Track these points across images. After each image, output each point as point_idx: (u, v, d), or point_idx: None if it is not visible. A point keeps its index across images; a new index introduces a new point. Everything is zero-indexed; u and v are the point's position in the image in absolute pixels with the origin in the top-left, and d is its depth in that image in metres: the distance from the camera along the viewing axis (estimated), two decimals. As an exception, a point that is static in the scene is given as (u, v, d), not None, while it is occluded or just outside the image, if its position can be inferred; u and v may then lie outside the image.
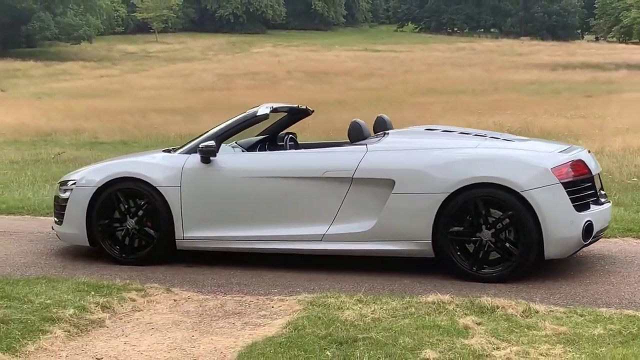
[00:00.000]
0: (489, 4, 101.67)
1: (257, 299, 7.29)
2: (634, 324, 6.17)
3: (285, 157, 8.42)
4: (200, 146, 8.37)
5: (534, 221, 7.44)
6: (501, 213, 7.61)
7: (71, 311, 6.64)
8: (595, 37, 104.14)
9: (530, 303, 6.72)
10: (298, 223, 8.12)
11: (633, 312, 6.52)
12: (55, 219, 9.08)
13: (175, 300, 7.32)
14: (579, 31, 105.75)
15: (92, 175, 8.65)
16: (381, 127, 8.91)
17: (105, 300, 7.03)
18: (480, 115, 26.64)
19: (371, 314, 6.53)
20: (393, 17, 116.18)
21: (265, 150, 9.28)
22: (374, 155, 7.99)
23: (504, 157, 7.73)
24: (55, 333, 6.22)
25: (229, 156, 8.44)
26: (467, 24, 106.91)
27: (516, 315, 6.39)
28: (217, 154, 8.37)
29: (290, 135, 9.40)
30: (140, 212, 8.46)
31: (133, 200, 8.53)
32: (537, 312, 6.47)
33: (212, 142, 8.36)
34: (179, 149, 8.94)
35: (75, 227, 8.64)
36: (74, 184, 8.73)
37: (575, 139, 19.59)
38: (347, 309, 6.67)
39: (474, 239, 7.66)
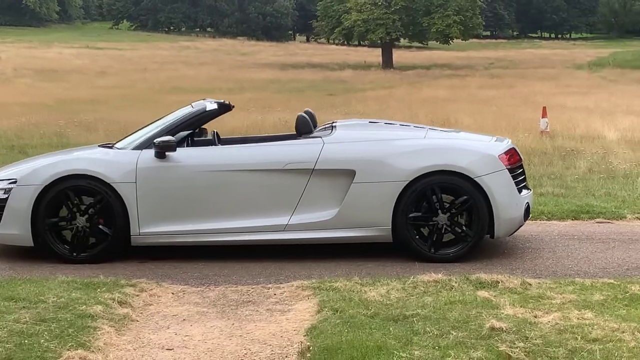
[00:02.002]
0: (206, 3, 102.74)
1: (252, 288, 7.52)
2: (619, 289, 7.01)
3: (244, 151, 8.63)
4: (156, 142, 8.38)
5: (486, 204, 8.18)
6: (456, 198, 8.23)
7: (99, 307, 6.56)
8: (306, 38, 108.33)
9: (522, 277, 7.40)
10: (260, 214, 8.37)
11: (606, 279, 7.40)
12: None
13: (173, 293, 7.41)
14: (291, 32, 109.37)
15: (36, 173, 8.39)
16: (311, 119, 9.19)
17: (118, 296, 6.97)
18: (256, 112, 27.20)
19: (387, 294, 6.96)
20: (107, 14, 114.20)
21: (190, 145, 9.31)
22: (333, 147, 8.39)
23: (458, 147, 8.44)
24: (104, 329, 6.21)
25: (186, 151, 8.50)
26: (184, 22, 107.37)
27: (517, 288, 7.08)
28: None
29: (214, 131, 9.53)
30: (92, 210, 8.30)
31: (83, 198, 8.33)
32: (531, 284, 7.19)
33: (170, 137, 8.38)
34: (116, 143, 8.86)
35: (17, 227, 8.37)
36: (13, 182, 8.37)
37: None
38: (360, 291, 7.06)
39: (430, 223, 8.25)
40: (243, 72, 55.23)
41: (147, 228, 8.35)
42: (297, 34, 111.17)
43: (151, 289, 7.39)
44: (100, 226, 8.36)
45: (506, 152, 8.50)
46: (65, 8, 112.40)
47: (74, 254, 8.37)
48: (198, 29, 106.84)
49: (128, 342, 6.06)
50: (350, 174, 8.31)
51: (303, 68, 59.79)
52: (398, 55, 69.01)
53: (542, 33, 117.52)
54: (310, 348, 5.70)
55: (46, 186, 8.29)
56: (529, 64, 65.20)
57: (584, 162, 15.31)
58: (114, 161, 8.44)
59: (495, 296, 6.81)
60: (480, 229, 8.26)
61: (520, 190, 8.51)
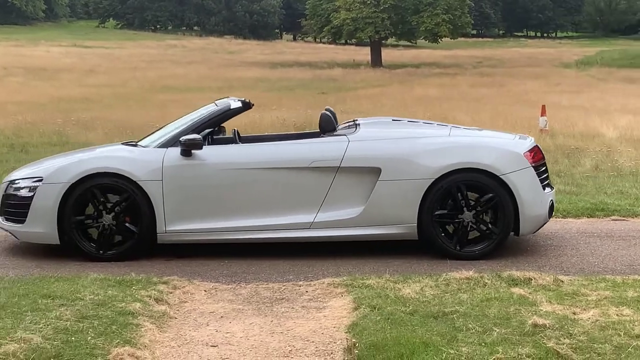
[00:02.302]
0: (193, 2, 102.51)
1: (283, 285, 7.55)
2: (650, 286, 7.06)
3: (271, 149, 8.64)
4: (182, 139, 8.38)
5: (512, 201, 8.22)
6: (481, 195, 8.26)
7: (138, 305, 6.57)
8: (293, 37, 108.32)
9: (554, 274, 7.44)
10: (286, 212, 8.39)
11: (637, 276, 7.48)
12: (8, 218, 8.62)
13: (205, 290, 7.42)
14: (278, 31, 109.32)
15: (62, 171, 8.38)
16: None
17: (153, 293, 6.98)
18: (252, 111, 27.13)
19: (421, 291, 7.00)
20: (94, 12, 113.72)
21: (211, 143, 9.29)
22: (359, 145, 8.42)
23: (483, 144, 8.48)
24: (146, 326, 6.24)
25: (212, 149, 8.50)
26: (171, 21, 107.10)
27: (550, 285, 7.13)
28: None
29: (235, 129, 9.53)
30: (118, 208, 8.30)
31: (110, 196, 8.34)
32: (563, 281, 7.24)
33: (196, 135, 8.40)
34: (140, 141, 8.90)
35: (44, 225, 8.37)
36: (38, 181, 8.36)
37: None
38: (394, 288, 7.09)
39: (456, 220, 8.29)
40: (231, 71, 55.17)
41: (173, 226, 8.35)
42: (284, 33, 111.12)
43: (184, 287, 7.39)
44: (127, 224, 8.34)
45: (530, 150, 8.55)
46: (51, 6, 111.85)
47: (101, 251, 8.38)
48: (184, 28, 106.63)
49: (171, 339, 6.08)
50: (376, 171, 8.33)
51: (291, 66, 59.79)
52: (386, 54, 69.13)
53: (528, 32, 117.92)
54: (356, 345, 5.71)
55: (73, 184, 8.30)
56: (516, 62, 65.43)
57: (588, 160, 15.40)
58: (140, 159, 8.44)
59: (530, 293, 6.85)
60: (506, 227, 8.30)
61: (544, 188, 8.56)
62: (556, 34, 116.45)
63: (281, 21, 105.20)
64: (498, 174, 8.24)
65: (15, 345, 5.57)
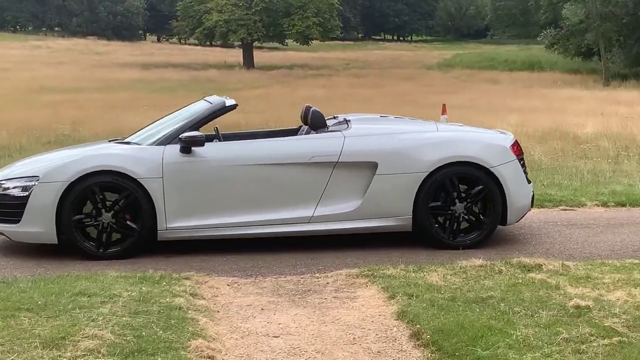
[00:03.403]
0: (54, 3, 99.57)
1: (301, 278, 7.61)
2: (649, 270, 7.45)
3: (269, 145, 8.63)
4: (182, 137, 8.29)
5: (500, 193, 8.50)
6: (471, 188, 8.51)
7: (181, 300, 6.52)
8: (157, 38, 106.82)
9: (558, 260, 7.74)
10: (285, 207, 8.42)
11: (630, 260, 7.86)
12: (1, 217, 8.34)
13: (228, 285, 7.41)
14: (142, 32, 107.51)
15: (60, 170, 8.16)
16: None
17: (187, 288, 6.92)
18: (149, 112, 26.74)
19: (444, 279, 7.19)
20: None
21: None
22: (355, 141, 8.53)
23: (473, 139, 8.73)
24: (201, 319, 6.22)
25: (212, 145, 8.43)
26: (31, 22, 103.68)
27: (560, 270, 7.42)
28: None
29: (216, 127, 9.44)
30: (118, 206, 8.14)
31: (108, 194, 8.17)
32: (569, 267, 7.53)
33: (198, 133, 8.33)
34: (127, 138, 8.79)
35: (41, 225, 8.13)
36: (34, 180, 8.11)
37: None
38: (415, 277, 7.25)
39: (448, 212, 8.50)
40: (105, 72, 53.99)
41: (174, 223, 8.26)
42: (148, 34, 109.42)
43: (206, 281, 7.34)
44: (128, 222, 8.18)
45: (513, 144, 8.85)
46: None
47: (100, 250, 8.19)
48: (45, 29, 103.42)
49: (229, 332, 6.05)
50: (373, 166, 8.46)
51: (166, 67, 59.01)
52: (255, 56, 69.05)
53: (385, 35, 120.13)
54: (421, 331, 5.81)
55: (72, 182, 8.06)
56: (382, 64, 66.55)
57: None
58: (140, 157, 8.30)
59: (548, 278, 7.10)
60: (495, 217, 8.58)
61: (527, 180, 8.88)
62: (411, 38, 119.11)
63: (145, 22, 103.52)
64: (488, 167, 8.50)
65: (91, 341, 5.46)
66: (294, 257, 8.25)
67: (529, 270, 7.38)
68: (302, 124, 9.56)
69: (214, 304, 6.72)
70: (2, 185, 8.36)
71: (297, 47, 77.08)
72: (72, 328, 5.72)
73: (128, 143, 8.79)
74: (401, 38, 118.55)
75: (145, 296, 6.59)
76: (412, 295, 6.65)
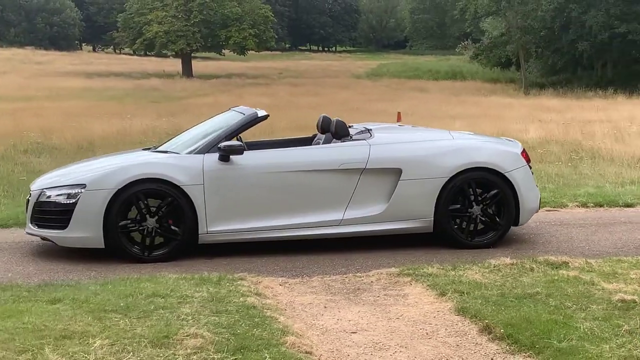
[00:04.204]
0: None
1: (345, 277, 7.71)
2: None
3: (302, 153, 8.72)
4: (222, 146, 8.35)
5: (514, 196, 8.74)
6: (487, 191, 8.73)
7: (253, 299, 6.61)
8: (93, 48, 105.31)
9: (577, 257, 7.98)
10: (317, 211, 8.52)
11: (637, 257, 8.12)
12: (45, 224, 8.28)
13: (280, 284, 7.47)
14: (78, 42, 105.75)
15: (107, 178, 8.15)
16: (327, 124, 9.39)
17: (251, 288, 6.99)
18: (111, 119, 26.44)
19: (483, 277, 7.36)
20: None
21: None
22: (381, 148, 8.67)
23: (488, 146, 8.97)
24: (279, 317, 6.29)
25: (248, 154, 8.48)
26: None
27: (585, 267, 7.66)
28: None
29: (239, 136, 9.45)
30: (161, 211, 8.15)
31: (151, 200, 8.18)
32: (592, 264, 7.76)
33: (237, 142, 8.42)
34: (159, 147, 8.90)
35: (89, 230, 8.11)
36: (81, 187, 8.08)
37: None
38: (456, 275, 7.41)
39: (466, 214, 8.71)
40: (49, 81, 53.05)
41: (213, 227, 8.30)
42: (84, 44, 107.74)
43: (260, 282, 7.39)
44: (172, 227, 8.19)
45: (522, 151, 9.10)
46: None
47: (145, 253, 8.17)
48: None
49: (307, 329, 6.10)
50: (397, 172, 8.61)
51: (108, 77, 58.26)
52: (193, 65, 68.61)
53: (311, 46, 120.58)
54: (491, 325, 5.97)
55: (119, 190, 8.05)
56: (314, 74, 66.83)
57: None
58: (181, 165, 8.33)
59: (579, 274, 7.32)
60: (509, 218, 8.80)
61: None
62: (336, 48, 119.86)
63: (81, 33, 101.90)
64: (502, 172, 8.73)
65: (195, 340, 5.50)
66: (328, 258, 8.35)
67: (557, 268, 7.60)
68: (316, 132, 9.63)
69: (279, 303, 6.77)
70: (46, 194, 8.28)
71: (230, 57, 76.80)
72: (167, 328, 5.74)
73: (164, 152, 8.77)
74: (326, 48, 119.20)
75: (216, 296, 6.63)
76: (463, 293, 6.81)
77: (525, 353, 5.48)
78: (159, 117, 28.60)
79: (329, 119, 9.52)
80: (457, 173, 8.66)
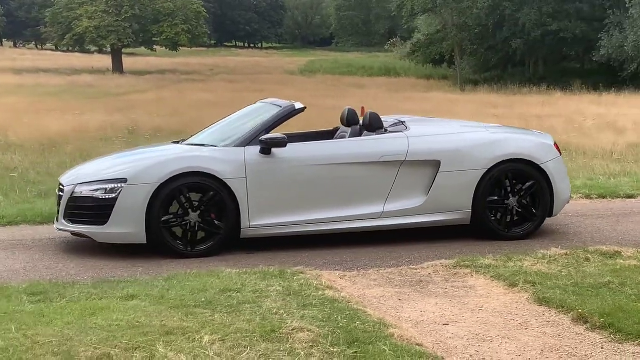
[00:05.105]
0: None
1: (399, 270, 7.65)
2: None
3: (342, 145, 8.66)
4: (264, 139, 8.20)
5: (549, 187, 8.81)
6: (523, 183, 8.77)
7: (328, 292, 6.53)
8: (14, 44, 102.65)
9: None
10: (357, 203, 8.46)
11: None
12: (80, 220, 8.02)
13: (340, 278, 7.38)
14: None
15: (149, 172, 7.94)
16: (353, 117, 9.29)
17: (325, 281, 6.89)
18: (69, 114, 25.83)
19: (546, 267, 7.35)
20: None
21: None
22: (418, 140, 8.64)
23: (523, 138, 9.01)
24: (367, 310, 6.20)
25: (291, 146, 8.35)
26: None
27: (637, 256, 7.70)
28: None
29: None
30: (204, 206, 7.98)
31: (193, 194, 7.99)
32: (621, 252, 7.84)
33: (280, 135, 8.29)
34: (187, 140, 8.88)
35: (130, 226, 7.89)
36: (121, 182, 7.85)
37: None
38: (516, 266, 7.40)
39: (504, 205, 8.75)
40: (-23, 77, 51.49)
41: (256, 221, 8.16)
42: (5, 39, 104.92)
43: (320, 275, 7.26)
44: (215, 221, 8.01)
45: (555, 143, 9.18)
46: None
47: (189, 248, 7.98)
48: None
49: (397, 321, 6.01)
50: (436, 164, 8.59)
51: (37, 73, 56.72)
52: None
53: (237, 42, 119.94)
54: (585, 315, 5.97)
55: (162, 184, 7.83)
56: (245, 70, 66.36)
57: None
58: (223, 158, 8.17)
59: (632, 263, 7.40)
60: (544, 209, 8.86)
61: (567, 175, 9.24)
62: (262, 45, 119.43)
63: (2, 28, 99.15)
64: (539, 163, 8.79)
65: (303, 334, 5.40)
66: (372, 251, 8.29)
67: (612, 257, 7.68)
68: (340, 125, 9.53)
69: (351, 296, 6.66)
70: (82, 189, 8.02)
71: (157, 53, 75.53)
72: (268, 322, 5.61)
73: (201, 145, 8.58)
74: (252, 45, 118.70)
75: (291, 291, 6.51)
76: (535, 283, 6.82)
77: (634, 342, 5.50)
78: (109, 113, 28.04)
79: (355, 111, 9.42)
80: (495, 164, 8.67)
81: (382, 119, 9.02)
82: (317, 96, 37.35)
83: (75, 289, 6.56)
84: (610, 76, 47.54)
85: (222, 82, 50.46)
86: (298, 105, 8.73)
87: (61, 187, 8.33)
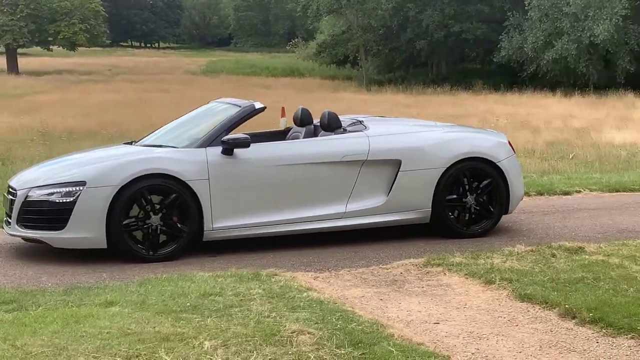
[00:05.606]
0: None
1: (371, 270, 7.61)
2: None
3: (306, 145, 8.56)
4: (226, 139, 8.08)
5: (504, 184, 8.95)
6: (480, 181, 8.89)
7: (312, 293, 6.52)
8: None
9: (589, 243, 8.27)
10: (320, 204, 8.41)
11: (628, 240, 8.49)
12: (35, 225, 7.74)
13: (314, 279, 7.30)
14: None
15: (109, 174, 7.71)
16: (307, 117, 9.25)
17: (303, 283, 6.83)
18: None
19: (516, 264, 7.46)
20: None
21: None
22: (379, 140, 8.64)
23: (480, 137, 9.13)
24: (355, 311, 6.17)
25: (254, 147, 8.23)
26: None
27: (603, 251, 7.90)
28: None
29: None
30: (165, 208, 7.80)
31: (156, 196, 7.83)
32: (602, 248, 8.04)
33: (243, 135, 8.18)
34: (139, 141, 8.66)
35: (90, 230, 7.65)
36: (80, 185, 7.60)
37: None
38: (487, 263, 7.50)
39: (462, 204, 8.85)
40: None
41: (219, 223, 8.03)
42: None
43: (294, 277, 7.15)
44: (178, 224, 7.83)
45: (509, 141, 9.33)
46: None
47: (150, 252, 7.79)
48: None
49: (386, 320, 5.98)
50: (397, 163, 8.62)
51: None
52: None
53: (132, 42, 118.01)
54: (573, 310, 6.06)
55: (122, 186, 7.61)
56: (145, 70, 65.25)
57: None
58: (184, 159, 7.99)
59: (605, 258, 7.57)
60: (500, 206, 8.99)
61: (520, 174, 9.40)
62: (159, 45, 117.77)
63: None
64: (495, 161, 8.91)
65: (303, 336, 5.32)
66: (336, 251, 8.26)
67: (575, 253, 7.83)
68: (293, 125, 9.47)
69: (332, 297, 6.60)
70: (36, 192, 7.72)
71: (51, 53, 73.47)
72: (265, 325, 5.52)
73: (158, 146, 8.38)
74: (148, 45, 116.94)
75: (274, 293, 6.42)
76: (511, 280, 6.89)
77: (627, 335, 5.60)
78: (13, 115, 27.22)
79: (309, 111, 9.36)
80: (454, 163, 8.75)
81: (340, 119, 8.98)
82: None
83: (47, 296, 6.31)
84: (510, 76, 48.77)
85: (124, 82, 49.57)
86: (258, 105, 8.61)
87: (12, 190, 7.99)
